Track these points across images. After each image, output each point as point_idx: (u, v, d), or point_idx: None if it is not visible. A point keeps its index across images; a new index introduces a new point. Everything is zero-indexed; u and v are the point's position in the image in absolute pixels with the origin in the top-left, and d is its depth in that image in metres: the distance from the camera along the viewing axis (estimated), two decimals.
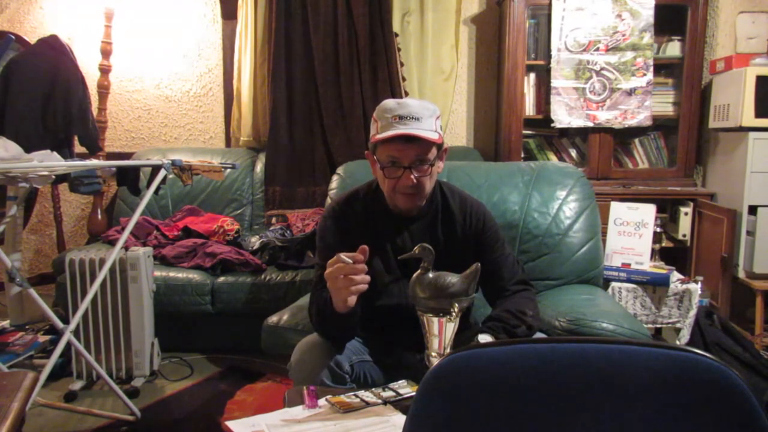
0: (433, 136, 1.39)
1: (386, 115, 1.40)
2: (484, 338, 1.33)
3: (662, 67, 3.28)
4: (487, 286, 1.53)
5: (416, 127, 1.38)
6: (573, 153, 3.36)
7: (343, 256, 1.25)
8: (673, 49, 3.25)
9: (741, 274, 2.93)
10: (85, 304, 2.18)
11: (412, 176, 1.41)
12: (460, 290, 1.14)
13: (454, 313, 1.12)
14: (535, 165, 2.16)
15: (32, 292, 2.02)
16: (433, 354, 1.15)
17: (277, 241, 2.91)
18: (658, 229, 2.64)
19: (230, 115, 3.56)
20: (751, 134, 2.89)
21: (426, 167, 1.42)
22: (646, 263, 2.54)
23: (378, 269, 1.48)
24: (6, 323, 2.76)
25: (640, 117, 3.17)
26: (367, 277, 1.27)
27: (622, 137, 3.31)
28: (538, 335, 1.60)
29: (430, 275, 1.16)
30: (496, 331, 1.36)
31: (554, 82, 3.17)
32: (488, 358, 0.61)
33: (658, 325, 2.55)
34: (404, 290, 1.45)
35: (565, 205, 2.03)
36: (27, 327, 2.79)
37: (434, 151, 1.43)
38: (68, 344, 2.13)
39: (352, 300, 1.30)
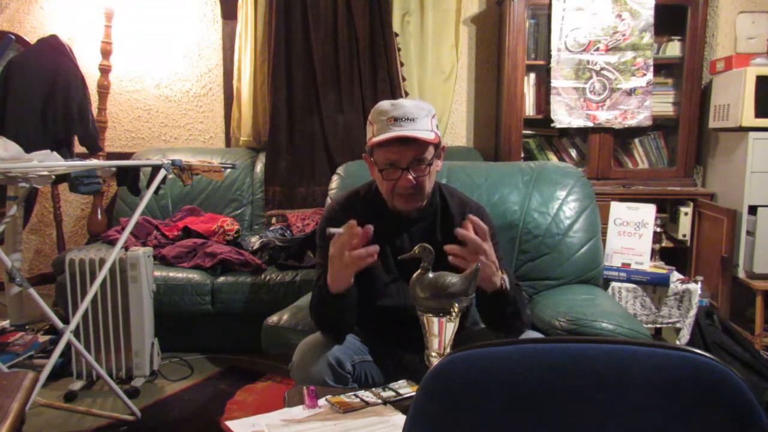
0: (429, 135, 1.39)
1: (381, 117, 1.40)
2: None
3: (662, 67, 3.28)
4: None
5: (412, 128, 1.37)
6: (573, 153, 3.36)
7: (340, 229, 1.29)
8: (673, 49, 3.25)
9: (741, 274, 2.93)
10: (85, 304, 2.18)
11: (410, 177, 1.40)
12: (460, 290, 1.14)
13: (454, 313, 1.13)
14: (535, 165, 2.15)
15: (32, 292, 2.02)
16: (433, 354, 1.15)
17: (277, 241, 2.91)
18: (658, 229, 2.64)
19: (230, 115, 3.56)
20: (751, 134, 2.89)
21: (424, 167, 1.42)
22: (646, 263, 2.54)
23: (377, 270, 1.48)
24: (6, 323, 2.77)
25: (640, 117, 3.17)
26: (373, 248, 1.29)
27: (622, 137, 3.31)
28: (538, 335, 1.60)
29: (430, 275, 1.16)
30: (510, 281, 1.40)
31: (554, 82, 3.16)
32: (488, 358, 0.61)
33: (658, 325, 2.55)
34: (404, 291, 1.45)
35: (565, 205, 2.03)
36: (27, 327, 2.79)
37: (431, 150, 1.42)
38: (68, 344, 2.13)
39: (351, 278, 1.34)
